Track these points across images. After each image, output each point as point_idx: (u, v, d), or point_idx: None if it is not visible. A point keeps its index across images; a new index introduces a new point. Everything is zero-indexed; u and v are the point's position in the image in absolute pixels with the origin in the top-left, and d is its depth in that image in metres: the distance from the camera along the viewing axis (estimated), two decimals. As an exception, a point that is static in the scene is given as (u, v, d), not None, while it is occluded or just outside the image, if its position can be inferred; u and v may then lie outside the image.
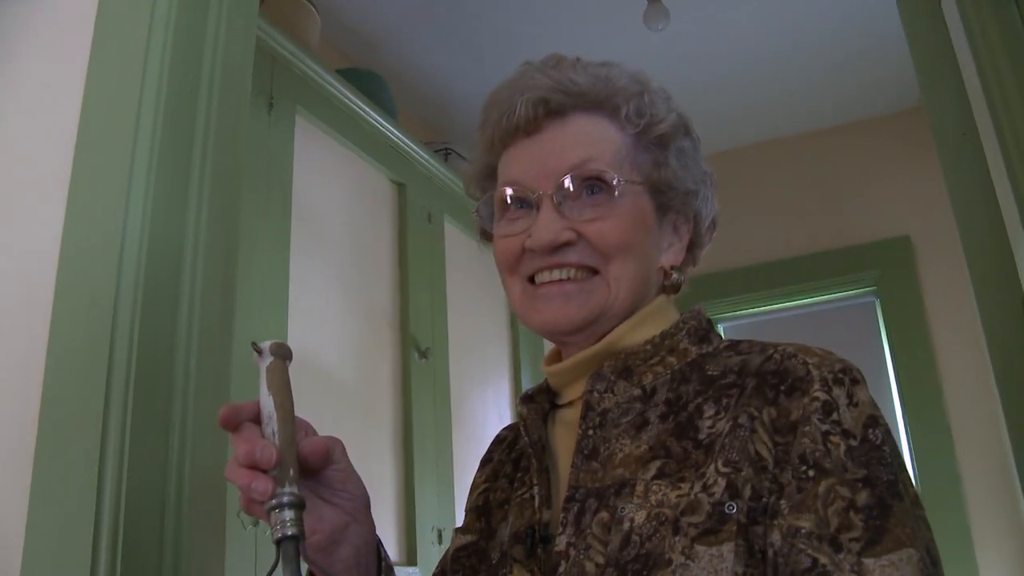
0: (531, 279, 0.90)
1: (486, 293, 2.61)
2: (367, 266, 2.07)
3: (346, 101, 2.08)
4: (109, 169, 1.18)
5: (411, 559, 2.00)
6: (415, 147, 2.33)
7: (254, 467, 0.79)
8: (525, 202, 0.90)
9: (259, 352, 0.85)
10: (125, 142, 1.18)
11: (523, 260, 0.90)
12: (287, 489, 0.77)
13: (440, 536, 2.07)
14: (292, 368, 0.87)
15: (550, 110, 0.89)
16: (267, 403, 0.82)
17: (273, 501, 0.77)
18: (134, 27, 1.25)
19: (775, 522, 0.73)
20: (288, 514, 0.76)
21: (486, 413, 2.45)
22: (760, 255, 3.22)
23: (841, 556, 0.70)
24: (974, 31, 1.12)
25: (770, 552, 0.73)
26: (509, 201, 0.91)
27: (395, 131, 2.25)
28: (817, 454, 0.74)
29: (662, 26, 2.51)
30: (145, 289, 1.13)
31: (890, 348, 3.02)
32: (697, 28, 2.72)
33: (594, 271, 0.88)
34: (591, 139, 0.89)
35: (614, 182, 0.87)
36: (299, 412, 1.04)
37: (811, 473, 0.73)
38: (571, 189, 0.87)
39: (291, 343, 1.47)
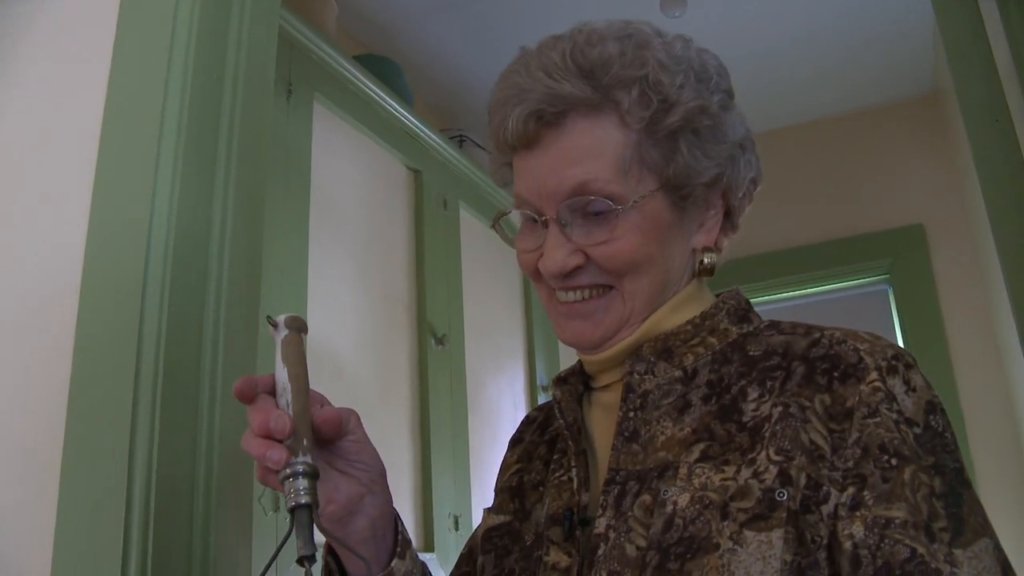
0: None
1: (500, 280, 2.61)
2: (384, 252, 2.07)
3: (363, 87, 2.08)
4: (135, 159, 1.18)
5: (428, 545, 2.01)
6: (430, 133, 2.33)
7: (269, 437, 0.79)
8: (533, 220, 0.89)
9: (274, 325, 0.86)
10: (151, 132, 1.18)
11: (541, 276, 0.90)
12: (301, 459, 0.78)
13: (456, 522, 2.07)
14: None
15: (545, 122, 0.86)
16: (281, 375, 0.83)
17: (287, 470, 0.78)
18: (158, 17, 1.24)
19: (857, 513, 0.73)
20: (302, 483, 0.77)
21: (501, 399, 2.45)
22: (772, 243, 3.22)
23: (935, 547, 0.71)
24: (1010, 14, 1.11)
25: (848, 544, 0.73)
26: (522, 215, 0.91)
27: (411, 117, 2.25)
28: (895, 442, 0.74)
29: (679, 13, 2.51)
30: (172, 276, 1.13)
31: (902, 336, 3.02)
32: (712, 15, 2.71)
33: (607, 288, 0.88)
34: (590, 151, 0.85)
35: (613, 206, 0.84)
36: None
37: (894, 462, 0.73)
38: (575, 210, 0.85)
39: (310, 329, 1.48)
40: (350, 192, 1.99)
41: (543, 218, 0.87)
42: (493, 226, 0.98)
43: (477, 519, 2.16)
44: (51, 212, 1.24)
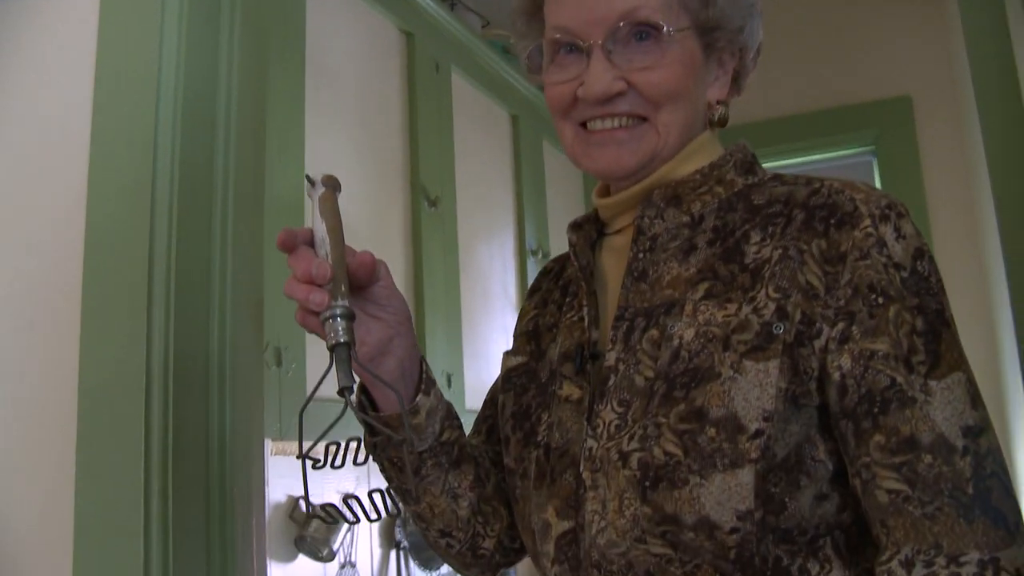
0: (583, 124, 0.94)
1: (491, 146, 2.63)
2: (378, 115, 2.08)
3: (357, -54, 2.05)
4: (140, 22, 1.18)
5: (421, 400, 2.08)
6: (423, -5, 2.31)
7: (310, 282, 0.86)
8: (575, 48, 0.92)
9: (312, 183, 0.92)
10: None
11: (575, 106, 0.94)
12: (340, 302, 0.85)
13: (450, 380, 2.15)
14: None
15: None
16: (319, 228, 0.90)
17: (327, 312, 0.86)
18: None
19: (845, 347, 0.81)
20: (341, 323, 0.85)
21: (491, 262, 2.50)
22: (759, 112, 3.23)
23: (913, 377, 0.79)
24: None
25: (836, 375, 0.81)
26: (558, 46, 0.93)
27: (403, -22, 2.23)
28: (883, 283, 0.81)
29: None
30: (183, 130, 1.15)
31: (884, 207, 3.06)
32: None
33: (643, 118, 0.92)
34: None
35: (664, 30, 0.89)
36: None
37: (880, 300, 0.81)
38: (621, 36, 0.90)
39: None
40: (344, 55, 1.99)
41: (587, 44, 0.90)
42: (526, 57, 1.00)
43: (470, 377, 2.24)
44: (57, 71, 1.25)
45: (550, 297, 1.09)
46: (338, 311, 0.85)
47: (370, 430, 1.00)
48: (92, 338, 1.12)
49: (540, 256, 2.74)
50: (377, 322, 0.96)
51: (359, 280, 0.93)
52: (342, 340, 0.85)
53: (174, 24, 1.17)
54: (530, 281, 2.63)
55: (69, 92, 1.22)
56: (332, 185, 0.93)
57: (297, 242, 0.90)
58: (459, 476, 1.05)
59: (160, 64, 1.16)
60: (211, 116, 1.20)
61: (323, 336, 0.88)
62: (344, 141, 1.92)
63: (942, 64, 3.05)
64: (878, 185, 3.13)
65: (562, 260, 1.12)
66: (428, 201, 2.16)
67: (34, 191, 1.22)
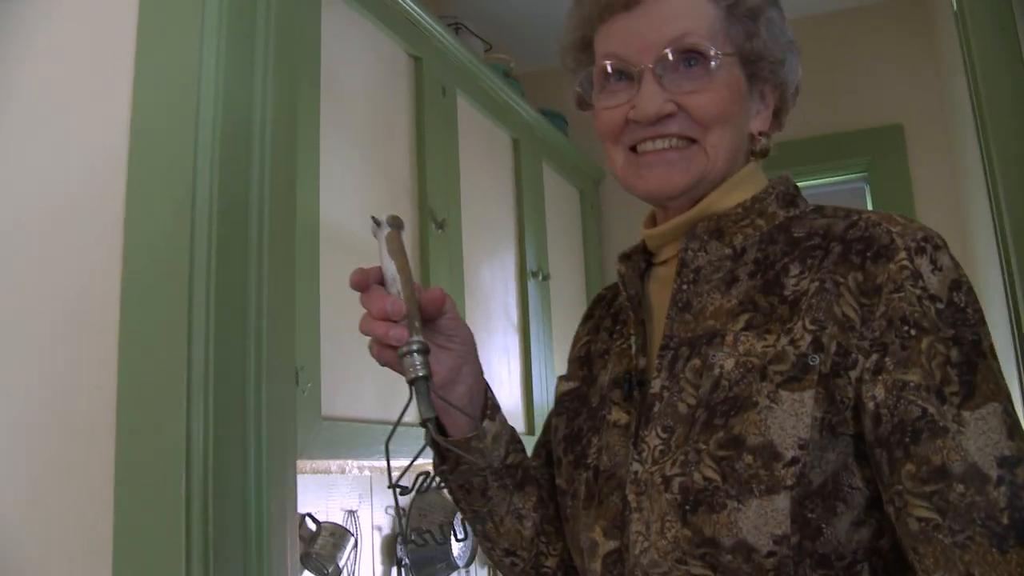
0: (633, 148, 0.98)
1: (494, 169, 2.67)
2: (387, 138, 2.11)
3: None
4: (178, 48, 1.22)
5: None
6: (430, 21, 2.35)
7: (386, 319, 0.91)
8: (625, 74, 0.97)
9: (377, 223, 0.97)
10: (192, 28, 1.22)
11: (626, 130, 0.98)
12: (416, 337, 0.89)
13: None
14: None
15: None
16: (389, 267, 0.94)
17: (405, 347, 0.90)
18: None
19: (879, 377, 0.83)
20: (418, 358, 0.90)
21: (494, 283, 2.53)
22: (754, 138, 3.28)
23: (945, 407, 0.80)
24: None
25: (871, 405, 0.84)
26: (610, 73, 0.98)
27: (412, 3, 2.26)
28: (916, 315, 0.83)
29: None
30: (221, 158, 1.18)
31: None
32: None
33: (692, 140, 0.96)
34: (687, 13, 0.95)
35: (711, 54, 0.94)
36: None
37: (913, 332, 0.83)
38: (671, 62, 0.95)
39: (322, 215, 1.55)
40: (355, 79, 2.03)
41: (638, 68, 0.95)
42: (577, 88, 1.05)
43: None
44: (92, 97, 1.27)
45: (602, 324, 1.13)
46: (415, 346, 0.90)
47: (440, 456, 1.05)
48: (132, 362, 1.14)
49: (540, 278, 2.78)
50: (446, 352, 1.01)
51: (429, 314, 0.98)
52: (421, 374, 0.90)
53: (212, 51, 1.20)
54: (531, 302, 2.67)
55: (106, 122, 1.25)
56: (397, 225, 0.98)
57: (370, 281, 0.95)
58: (523, 497, 1.10)
59: (199, 92, 1.19)
60: (247, 144, 1.23)
61: (399, 370, 0.93)
62: (356, 163, 1.95)
63: (933, 94, 3.11)
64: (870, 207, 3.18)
65: (614, 288, 1.17)
66: (435, 223, 2.19)
67: (70, 219, 1.25)
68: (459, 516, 1.02)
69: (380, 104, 2.11)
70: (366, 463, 1.85)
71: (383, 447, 0.91)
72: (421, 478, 0.94)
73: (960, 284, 0.86)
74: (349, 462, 1.81)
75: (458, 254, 2.31)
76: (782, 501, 0.83)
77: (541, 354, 2.73)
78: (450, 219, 2.28)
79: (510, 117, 2.78)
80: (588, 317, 1.18)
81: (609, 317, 1.13)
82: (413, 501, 0.95)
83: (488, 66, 2.65)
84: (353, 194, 1.94)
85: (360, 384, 1.78)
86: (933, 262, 0.86)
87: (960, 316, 0.84)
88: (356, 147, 1.98)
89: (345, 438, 1.70)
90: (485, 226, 2.54)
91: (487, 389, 1.08)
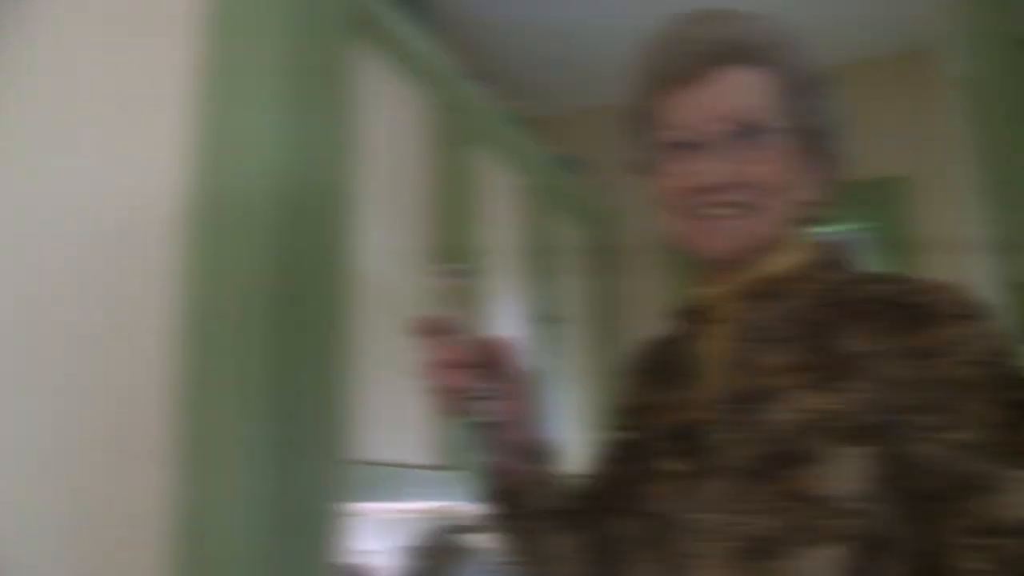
0: (693, 213, 1.04)
1: (506, 216, 2.70)
2: (408, 186, 2.15)
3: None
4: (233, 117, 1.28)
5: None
6: (451, 71, 2.38)
7: (454, 367, 0.98)
8: (688, 145, 1.03)
9: (445, 272, 1.02)
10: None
11: (688, 197, 1.04)
12: (482, 384, 0.94)
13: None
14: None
15: (711, 62, 1.01)
16: (455, 314, 1.00)
17: (471, 394, 0.97)
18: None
19: (934, 436, 0.90)
20: (483, 404, 0.96)
21: (506, 329, 2.56)
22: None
23: (995, 466, 0.88)
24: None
25: (926, 462, 0.90)
26: (674, 142, 1.04)
27: (442, 55, 2.31)
28: (967, 378, 0.91)
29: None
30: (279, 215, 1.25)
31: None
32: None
33: (750, 207, 1.02)
34: (748, 88, 1.02)
35: (770, 128, 1.01)
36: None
37: (965, 394, 0.90)
38: (733, 134, 1.01)
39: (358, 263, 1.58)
40: (379, 128, 2.06)
41: (702, 140, 1.02)
42: (637, 155, 1.12)
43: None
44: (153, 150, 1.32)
45: (653, 375, 1.18)
46: (482, 393, 0.96)
47: (494, 500, 1.10)
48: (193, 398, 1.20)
49: (553, 322, 2.81)
50: (508, 400, 1.06)
51: (492, 361, 1.03)
52: (487, 420, 0.95)
53: (268, 101, 1.26)
54: (544, 346, 2.70)
55: (164, 173, 1.30)
56: (468, 274, 1.03)
57: (437, 329, 1.00)
58: (575, 539, 1.15)
59: (258, 146, 1.25)
60: (303, 196, 1.29)
61: (462, 416, 0.99)
62: (380, 214, 1.99)
63: (939, 147, 3.16)
64: (875, 259, 3.23)
65: (665, 340, 1.21)
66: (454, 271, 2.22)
67: (124, 269, 1.29)
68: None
69: (401, 152, 2.14)
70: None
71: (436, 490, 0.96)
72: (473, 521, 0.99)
73: (1005, 350, 0.94)
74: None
75: (475, 300, 2.35)
76: (839, 551, 0.89)
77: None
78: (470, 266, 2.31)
79: (522, 164, 2.82)
80: (638, 367, 1.23)
81: (661, 368, 1.17)
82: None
83: (504, 113, 2.69)
84: (380, 243, 1.98)
85: (400, 427, 1.80)
86: (981, 329, 0.93)
87: (1006, 379, 0.92)
88: (378, 195, 2.01)
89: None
90: (497, 272, 2.58)
91: (545, 433, 1.13)
